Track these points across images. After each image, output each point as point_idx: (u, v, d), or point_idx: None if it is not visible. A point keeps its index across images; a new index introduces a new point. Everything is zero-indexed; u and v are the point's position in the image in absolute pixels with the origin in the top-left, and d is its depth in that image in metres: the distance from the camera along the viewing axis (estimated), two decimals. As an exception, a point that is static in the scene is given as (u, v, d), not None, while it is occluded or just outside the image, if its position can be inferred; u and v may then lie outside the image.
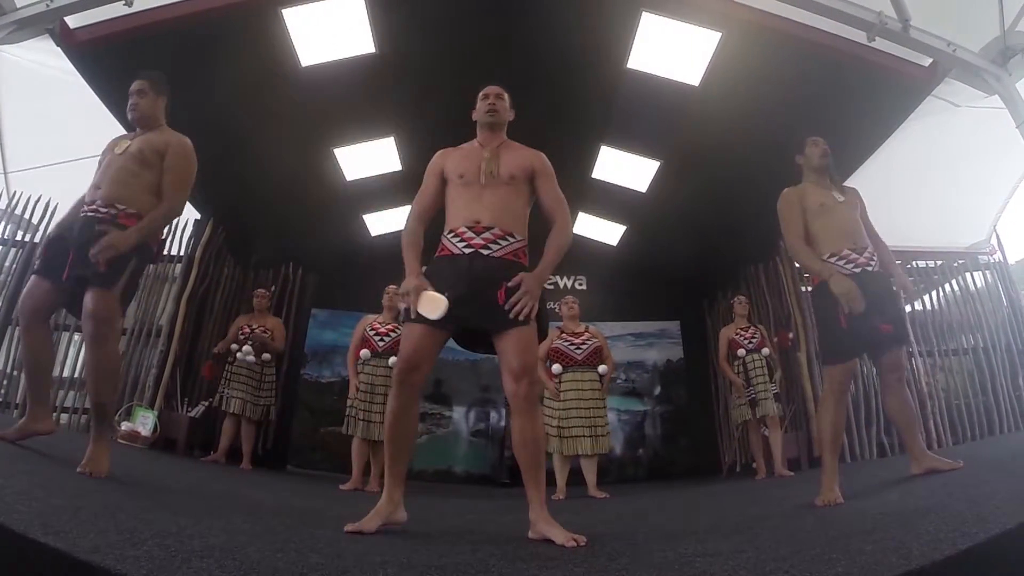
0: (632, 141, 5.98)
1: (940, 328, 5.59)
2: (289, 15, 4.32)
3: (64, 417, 4.99)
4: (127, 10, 3.85)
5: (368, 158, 6.21)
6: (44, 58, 4.06)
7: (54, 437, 2.68)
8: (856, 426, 5.04)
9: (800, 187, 2.93)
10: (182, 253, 5.83)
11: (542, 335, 2.05)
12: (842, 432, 2.74)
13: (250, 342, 5.15)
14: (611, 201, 7.00)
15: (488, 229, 2.06)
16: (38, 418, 2.57)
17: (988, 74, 4.10)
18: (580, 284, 8.38)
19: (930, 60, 4.21)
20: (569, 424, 4.46)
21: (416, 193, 2.25)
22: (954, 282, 5.77)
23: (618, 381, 4.92)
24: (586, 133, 6.00)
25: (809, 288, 3.73)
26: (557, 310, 5.09)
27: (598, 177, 6.60)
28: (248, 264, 6.71)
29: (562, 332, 4.74)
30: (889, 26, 3.97)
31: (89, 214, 2.52)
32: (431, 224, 2.22)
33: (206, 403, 5.41)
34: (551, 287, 8.28)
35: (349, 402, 4.59)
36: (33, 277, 2.56)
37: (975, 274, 5.75)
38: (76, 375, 5.12)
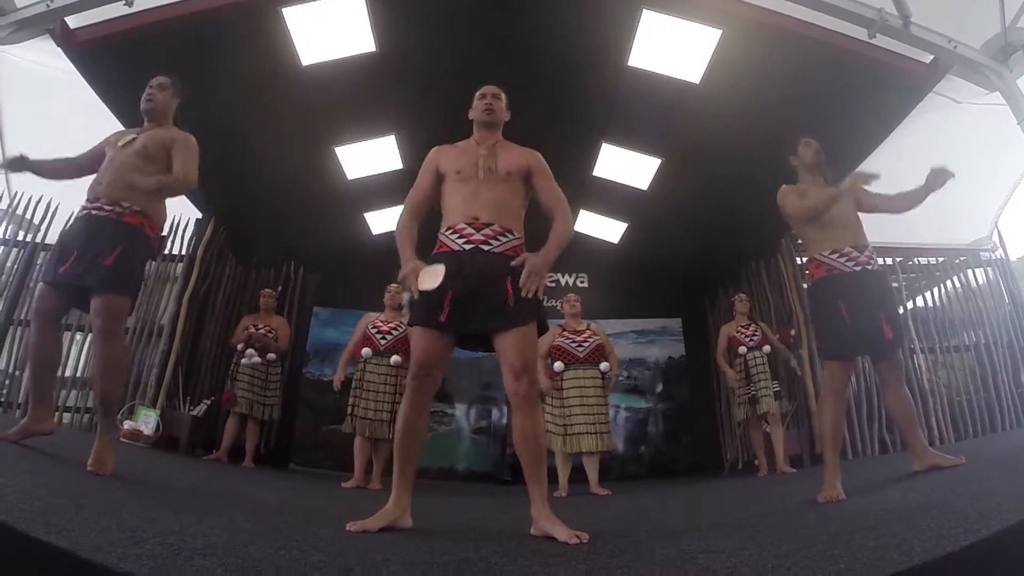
0: (633, 139, 5.97)
1: (942, 325, 5.58)
2: (289, 14, 4.31)
3: (66, 416, 5.00)
4: (127, 10, 3.84)
5: (369, 157, 6.21)
6: (44, 58, 4.06)
7: (56, 436, 2.69)
8: (858, 423, 5.05)
9: (797, 185, 2.95)
10: (183, 252, 5.84)
11: (541, 330, 2.05)
12: (843, 428, 2.74)
13: (253, 344, 5.15)
14: (612, 199, 7.00)
15: (488, 225, 2.06)
16: (40, 418, 2.58)
17: (989, 70, 4.09)
18: (581, 282, 8.37)
19: (931, 57, 4.20)
20: (571, 421, 4.47)
21: None
22: (956, 279, 5.76)
23: (620, 378, 4.92)
24: (587, 131, 6.00)
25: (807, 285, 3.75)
26: (559, 308, 5.09)
27: (599, 175, 6.60)
28: (249, 263, 6.71)
29: (564, 330, 4.75)
30: (890, 23, 3.95)
31: (92, 211, 2.52)
32: (425, 220, 2.21)
33: (208, 402, 5.42)
34: (552, 284, 8.28)
35: (351, 400, 4.60)
36: (41, 284, 2.57)
37: (977, 271, 5.74)
38: (79, 375, 5.13)
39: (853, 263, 2.72)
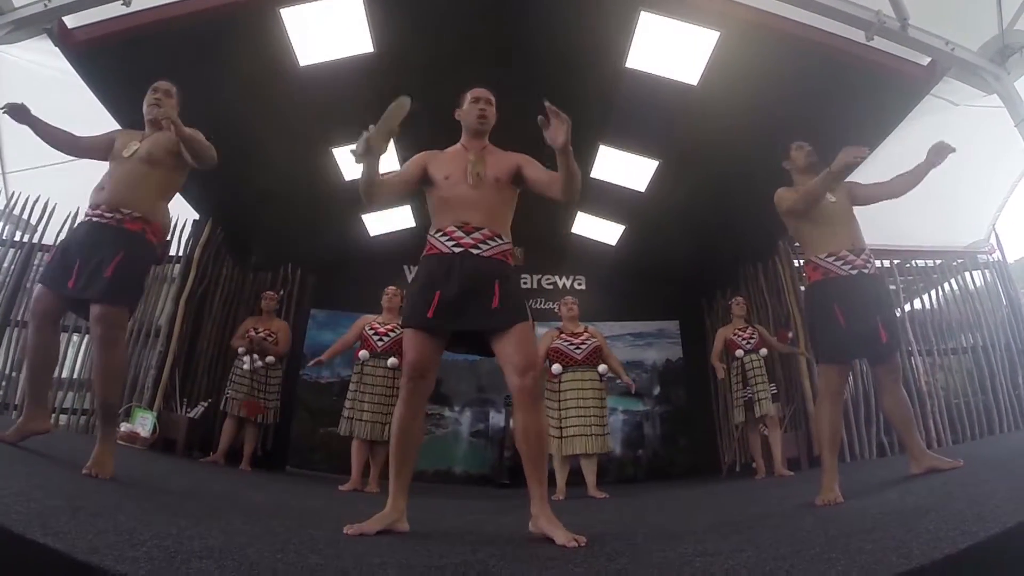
0: (631, 140, 5.98)
1: (939, 327, 5.59)
2: (287, 15, 4.31)
3: (63, 418, 4.98)
4: (125, 10, 3.83)
5: (367, 158, 6.19)
6: (42, 58, 4.05)
7: (53, 438, 2.68)
8: (856, 425, 5.05)
9: (793, 188, 2.95)
10: (181, 253, 5.82)
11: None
12: (840, 431, 2.75)
13: (252, 349, 5.14)
14: (610, 201, 6.99)
15: (478, 229, 2.07)
16: (35, 418, 2.57)
17: (987, 73, 4.10)
18: (579, 284, 8.38)
19: (929, 59, 4.21)
20: (569, 424, 4.46)
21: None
22: (953, 281, 5.77)
23: (617, 381, 4.92)
24: (584, 132, 5.95)
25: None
26: (556, 310, 5.09)
27: (597, 177, 6.59)
28: (247, 264, 6.70)
29: (561, 332, 4.75)
30: (888, 25, 3.96)
31: (94, 219, 2.52)
32: (387, 197, 2.16)
33: (205, 404, 5.40)
34: (550, 287, 8.29)
35: (346, 404, 4.59)
36: (39, 285, 2.56)
37: (974, 273, 5.75)
38: (75, 376, 5.11)
39: (849, 267, 2.72)
